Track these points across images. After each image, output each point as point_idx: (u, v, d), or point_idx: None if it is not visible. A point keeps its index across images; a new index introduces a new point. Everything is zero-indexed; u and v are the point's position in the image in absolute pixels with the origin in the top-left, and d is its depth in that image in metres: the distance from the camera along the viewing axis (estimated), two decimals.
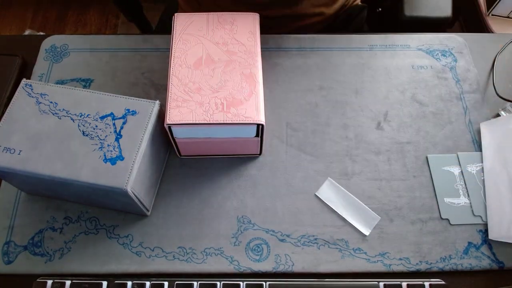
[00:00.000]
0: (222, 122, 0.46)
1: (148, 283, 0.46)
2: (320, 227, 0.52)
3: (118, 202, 0.48)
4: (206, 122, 0.46)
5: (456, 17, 1.28)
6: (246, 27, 0.53)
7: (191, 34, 0.53)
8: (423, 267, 0.50)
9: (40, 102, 0.47)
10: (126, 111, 0.47)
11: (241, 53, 0.51)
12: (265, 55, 0.63)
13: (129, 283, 0.47)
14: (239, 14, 0.54)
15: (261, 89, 0.49)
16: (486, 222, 0.52)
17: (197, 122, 0.46)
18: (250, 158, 0.56)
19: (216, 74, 0.49)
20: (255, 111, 0.47)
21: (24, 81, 0.49)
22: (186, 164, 0.56)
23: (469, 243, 0.51)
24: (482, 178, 0.55)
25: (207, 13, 0.54)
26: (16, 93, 0.48)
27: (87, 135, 0.46)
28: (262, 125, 0.47)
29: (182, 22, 0.53)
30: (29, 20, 1.66)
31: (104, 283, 0.46)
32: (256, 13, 0.55)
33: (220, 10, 0.55)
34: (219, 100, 0.48)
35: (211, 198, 0.53)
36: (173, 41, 0.52)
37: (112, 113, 0.47)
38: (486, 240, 0.51)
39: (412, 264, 0.50)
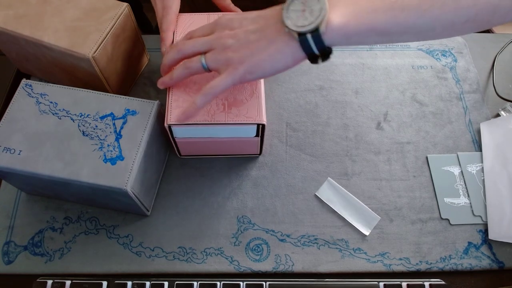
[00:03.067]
0: (223, 122, 0.46)
1: (148, 283, 0.46)
2: (320, 227, 0.52)
3: (118, 202, 0.48)
4: (207, 122, 0.46)
5: None
6: None
7: None
8: (423, 267, 0.50)
9: (40, 102, 0.47)
10: (126, 111, 0.47)
11: None
12: None
13: (129, 283, 0.47)
14: None
15: (263, 89, 0.49)
16: (486, 222, 0.52)
17: (198, 122, 0.46)
18: (250, 158, 0.56)
19: (217, 74, 0.49)
20: (257, 111, 0.47)
21: (24, 81, 0.49)
22: (186, 164, 0.56)
23: (469, 243, 0.51)
24: (482, 178, 0.55)
25: (208, 13, 0.54)
26: (16, 93, 0.48)
27: (87, 135, 0.46)
28: (264, 125, 0.47)
29: (183, 22, 0.53)
30: None
31: (104, 283, 0.46)
32: None
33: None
34: (220, 100, 0.48)
35: (211, 198, 0.53)
36: (174, 41, 0.52)
37: (112, 113, 0.47)
38: (486, 240, 0.51)
39: (412, 264, 0.50)
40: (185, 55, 0.45)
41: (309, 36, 0.38)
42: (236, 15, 0.44)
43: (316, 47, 0.39)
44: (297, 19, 0.38)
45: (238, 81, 0.42)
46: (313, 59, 0.40)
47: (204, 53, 0.44)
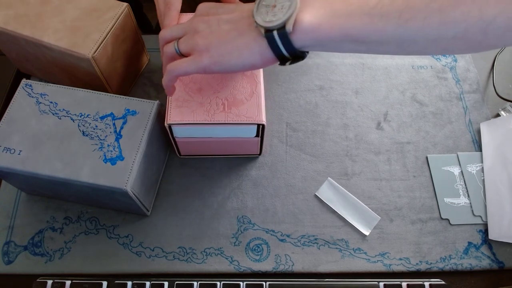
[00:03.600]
0: (223, 122, 0.46)
1: (148, 283, 0.46)
2: (320, 227, 0.52)
3: (118, 202, 0.48)
4: (207, 122, 0.46)
5: None
6: None
7: None
8: (423, 267, 0.50)
9: (40, 102, 0.47)
10: (126, 111, 0.47)
11: None
12: None
13: (129, 283, 0.47)
14: None
15: (262, 89, 0.49)
16: (486, 222, 0.52)
17: (198, 122, 0.46)
18: (250, 158, 0.56)
19: (217, 74, 0.49)
20: (257, 111, 0.47)
21: (24, 81, 0.49)
22: (186, 164, 0.56)
23: (469, 243, 0.51)
24: (482, 178, 0.55)
25: None
26: (16, 93, 0.48)
27: (87, 135, 0.46)
28: (263, 125, 0.47)
29: None
30: None
31: (104, 283, 0.46)
32: None
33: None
34: (220, 100, 0.48)
35: (211, 198, 0.53)
36: None
37: (112, 113, 0.47)
38: (486, 240, 0.51)
39: (412, 264, 0.50)
40: (165, 42, 0.45)
41: (275, 34, 0.36)
42: (217, 4, 0.43)
43: (284, 48, 0.37)
44: (266, 14, 0.36)
45: (202, 70, 0.40)
46: (283, 61, 0.39)
47: (180, 38, 0.43)
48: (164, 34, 0.45)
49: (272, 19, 0.36)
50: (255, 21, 0.37)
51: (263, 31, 0.37)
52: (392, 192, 0.54)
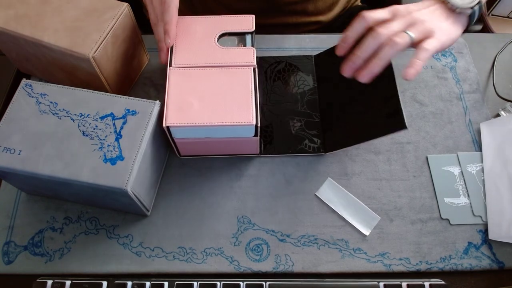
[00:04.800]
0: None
1: (148, 283, 0.46)
2: (320, 227, 0.52)
3: (118, 202, 0.48)
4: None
5: None
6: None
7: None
8: (423, 267, 0.50)
9: (40, 102, 0.47)
10: (126, 111, 0.47)
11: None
12: (266, 55, 0.63)
13: (129, 283, 0.47)
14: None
15: (257, 89, 0.49)
16: (486, 222, 0.52)
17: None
18: (250, 158, 0.56)
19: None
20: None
21: (24, 81, 0.49)
22: (186, 164, 0.56)
23: (469, 243, 0.51)
24: (482, 178, 0.55)
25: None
26: (16, 93, 0.48)
27: (87, 135, 0.46)
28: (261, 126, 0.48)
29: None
30: None
31: (104, 283, 0.46)
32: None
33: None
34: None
35: (211, 198, 0.53)
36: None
37: (112, 113, 0.47)
38: (486, 240, 0.51)
39: (412, 264, 0.50)
40: (375, 22, 0.49)
41: (476, 8, 0.49)
42: (401, 5, 0.50)
43: (477, 16, 0.50)
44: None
45: (440, 48, 0.49)
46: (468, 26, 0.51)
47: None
48: (383, 31, 0.47)
49: (468, 1, 0.49)
50: (457, 6, 0.49)
51: (468, 11, 0.49)
52: (392, 192, 0.54)
